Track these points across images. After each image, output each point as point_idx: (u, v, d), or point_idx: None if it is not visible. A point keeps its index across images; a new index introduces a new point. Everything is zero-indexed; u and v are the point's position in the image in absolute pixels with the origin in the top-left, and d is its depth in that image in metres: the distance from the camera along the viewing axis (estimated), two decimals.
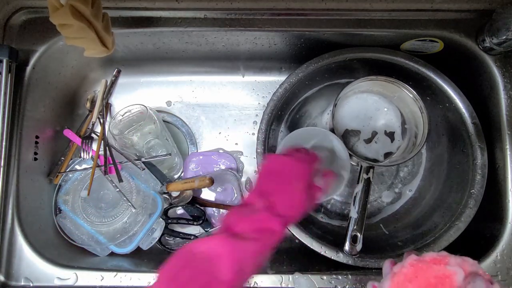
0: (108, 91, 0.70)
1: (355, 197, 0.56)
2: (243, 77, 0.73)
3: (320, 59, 0.59)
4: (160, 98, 0.72)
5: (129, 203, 0.59)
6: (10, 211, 0.54)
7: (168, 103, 0.72)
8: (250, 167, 0.69)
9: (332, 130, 0.59)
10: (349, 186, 0.64)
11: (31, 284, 0.52)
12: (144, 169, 0.63)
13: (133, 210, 0.59)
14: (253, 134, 0.70)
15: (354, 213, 0.55)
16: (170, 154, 0.63)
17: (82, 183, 0.64)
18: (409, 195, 0.67)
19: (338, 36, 0.60)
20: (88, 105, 0.69)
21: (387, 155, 0.66)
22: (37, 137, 0.61)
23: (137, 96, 0.72)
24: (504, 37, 0.52)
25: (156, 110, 0.67)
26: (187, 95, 0.72)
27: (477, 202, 0.54)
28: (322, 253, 0.53)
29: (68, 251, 0.58)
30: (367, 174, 0.57)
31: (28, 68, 0.58)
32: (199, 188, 0.64)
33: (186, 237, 0.64)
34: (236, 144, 0.70)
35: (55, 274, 0.52)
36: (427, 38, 0.59)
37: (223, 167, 0.67)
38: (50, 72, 0.62)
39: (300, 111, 0.69)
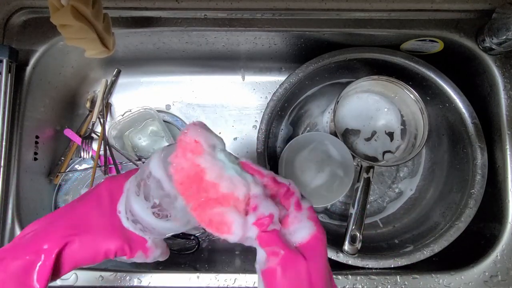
0: (108, 91, 0.70)
1: (354, 196, 0.56)
2: (243, 77, 0.73)
3: (320, 59, 0.59)
4: (160, 98, 0.72)
5: None
6: (10, 211, 0.54)
7: (168, 103, 0.72)
8: None
9: (333, 130, 0.59)
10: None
11: None
12: None
13: None
14: (253, 134, 0.70)
15: (353, 213, 0.55)
16: None
17: (82, 183, 0.65)
18: (409, 195, 0.67)
19: (338, 36, 0.60)
20: (88, 105, 0.69)
21: (386, 153, 0.66)
22: (37, 137, 0.61)
23: (137, 96, 0.72)
24: (504, 37, 0.52)
25: (156, 110, 0.67)
26: (187, 95, 0.72)
27: (477, 202, 0.54)
28: None
29: None
30: (367, 174, 0.57)
31: (28, 68, 0.58)
32: None
33: (186, 237, 0.64)
34: (238, 144, 0.70)
35: None
36: (427, 38, 0.59)
37: None
38: (50, 72, 0.62)
39: (301, 111, 0.69)
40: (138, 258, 0.36)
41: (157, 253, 0.37)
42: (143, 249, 0.35)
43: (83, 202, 0.35)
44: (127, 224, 0.35)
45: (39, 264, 0.31)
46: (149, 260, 0.37)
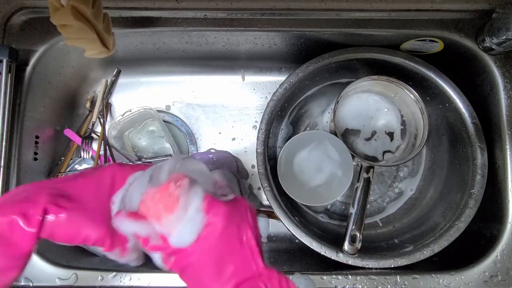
0: (108, 91, 0.70)
1: (354, 196, 0.56)
2: (243, 77, 0.73)
3: (320, 59, 0.59)
4: (160, 98, 0.72)
5: None
6: None
7: (168, 103, 0.72)
8: (249, 167, 0.69)
9: (333, 130, 0.59)
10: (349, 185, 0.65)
11: (31, 284, 0.52)
12: None
13: None
14: (253, 134, 0.70)
15: (353, 213, 0.55)
16: (171, 155, 0.63)
17: None
18: (410, 195, 0.67)
19: (338, 36, 0.60)
20: (88, 105, 0.70)
21: (386, 153, 0.66)
22: (37, 137, 0.61)
23: (137, 96, 0.72)
24: (504, 37, 0.52)
25: (156, 110, 0.67)
26: (187, 95, 0.72)
27: (477, 202, 0.54)
28: (322, 253, 0.53)
29: (68, 251, 0.58)
30: (367, 174, 0.57)
31: (28, 68, 0.58)
32: None
33: None
34: (238, 144, 0.70)
35: (55, 274, 0.52)
36: (427, 38, 0.59)
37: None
38: (50, 72, 0.62)
39: (301, 111, 0.69)
40: (114, 255, 0.35)
41: (132, 257, 0.37)
42: (122, 248, 0.35)
43: (84, 179, 0.35)
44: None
45: (22, 223, 0.30)
46: (122, 261, 0.36)
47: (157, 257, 0.34)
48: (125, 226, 0.33)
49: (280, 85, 0.60)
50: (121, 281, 0.52)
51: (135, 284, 0.52)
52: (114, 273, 0.52)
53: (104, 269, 0.53)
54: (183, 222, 0.32)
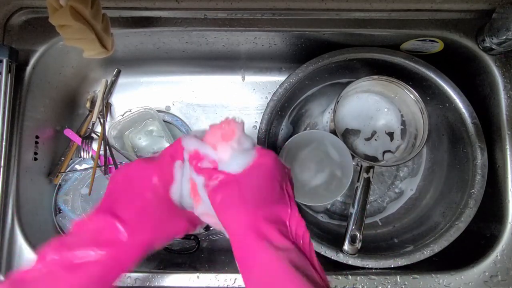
0: (108, 91, 0.70)
1: (354, 196, 0.56)
2: (243, 77, 0.73)
3: (320, 59, 0.59)
4: (160, 98, 0.72)
5: None
6: (10, 211, 0.54)
7: (168, 103, 0.72)
8: None
9: (333, 130, 0.59)
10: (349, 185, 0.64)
11: None
12: None
13: None
14: (253, 134, 0.70)
15: (353, 213, 0.55)
16: None
17: (82, 183, 0.65)
18: (410, 195, 0.67)
19: (338, 36, 0.60)
20: (88, 105, 0.69)
21: (386, 153, 0.66)
22: (37, 137, 0.61)
23: (137, 96, 0.72)
24: (504, 37, 0.52)
25: (156, 110, 0.67)
26: (187, 95, 0.72)
27: (477, 202, 0.54)
28: (322, 253, 0.53)
29: None
30: (367, 174, 0.57)
31: (28, 68, 0.58)
32: None
33: (187, 236, 0.64)
34: None
35: None
36: (427, 38, 0.59)
37: None
38: (50, 72, 0.62)
39: (301, 111, 0.69)
40: (198, 230, 0.43)
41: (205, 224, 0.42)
42: (200, 222, 0.41)
43: (137, 199, 0.37)
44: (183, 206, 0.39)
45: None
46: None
47: (200, 184, 0.37)
48: (191, 142, 0.39)
49: (280, 85, 0.60)
50: (121, 281, 0.52)
51: (135, 284, 0.52)
52: None
53: None
54: (236, 152, 0.37)
